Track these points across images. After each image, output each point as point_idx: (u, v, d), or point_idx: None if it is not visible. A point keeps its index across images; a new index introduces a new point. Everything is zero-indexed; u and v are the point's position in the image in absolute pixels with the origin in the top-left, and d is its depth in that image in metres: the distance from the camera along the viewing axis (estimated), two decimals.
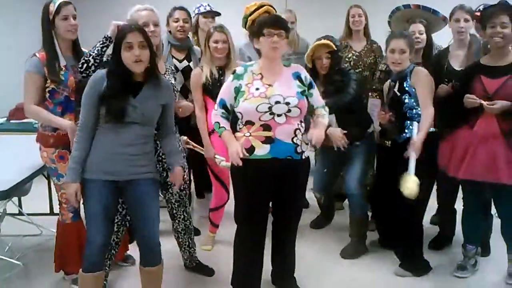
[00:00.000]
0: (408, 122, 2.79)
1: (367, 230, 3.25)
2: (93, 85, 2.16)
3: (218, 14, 3.74)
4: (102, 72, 2.19)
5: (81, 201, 2.24)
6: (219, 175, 3.12)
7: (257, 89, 2.34)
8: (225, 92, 2.43)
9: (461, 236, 2.96)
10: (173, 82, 2.68)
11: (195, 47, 3.50)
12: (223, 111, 2.43)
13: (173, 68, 2.90)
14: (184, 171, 2.68)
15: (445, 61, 3.06)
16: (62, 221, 2.65)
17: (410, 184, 2.57)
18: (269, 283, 2.72)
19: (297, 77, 2.42)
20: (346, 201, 3.39)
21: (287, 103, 2.30)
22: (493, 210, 2.94)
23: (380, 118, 2.98)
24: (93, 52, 2.46)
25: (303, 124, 2.41)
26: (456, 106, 2.70)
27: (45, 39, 2.50)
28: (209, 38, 3.01)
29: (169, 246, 2.93)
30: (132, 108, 2.13)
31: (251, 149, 2.32)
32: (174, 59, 3.35)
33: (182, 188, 2.70)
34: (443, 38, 3.41)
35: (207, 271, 2.93)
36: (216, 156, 2.94)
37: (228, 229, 3.03)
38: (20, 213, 3.53)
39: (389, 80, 3.01)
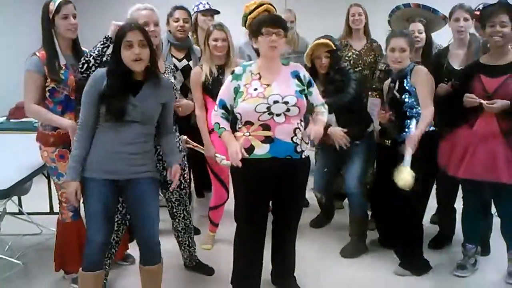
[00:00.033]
0: (408, 121, 2.79)
1: (367, 229, 3.25)
2: (93, 84, 2.15)
3: (217, 12, 3.74)
4: (102, 70, 2.19)
5: (81, 200, 2.24)
6: (219, 174, 3.13)
7: (255, 89, 2.34)
8: (225, 92, 2.43)
9: (461, 235, 2.96)
10: (172, 81, 2.68)
11: (195, 47, 3.50)
12: (223, 111, 2.43)
13: (172, 67, 2.90)
14: (184, 170, 2.69)
15: (444, 60, 3.06)
16: (62, 220, 2.65)
17: (404, 176, 2.57)
18: (269, 282, 2.72)
19: (296, 76, 2.42)
20: (346, 200, 3.39)
21: (286, 102, 2.30)
22: (493, 210, 2.94)
23: (380, 117, 2.98)
24: (94, 53, 2.47)
25: (302, 123, 2.41)
26: (456, 105, 2.70)
27: (45, 38, 2.50)
28: (209, 36, 3.01)
29: (169, 245, 2.93)
30: (132, 107, 2.13)
31: (250, 149, 2.33)
32: (173, 58, 3.35)
33: (182, 187, 2.70)
34: (443, 37, 3.41)
35: (207, 270, 2.93)
36: (217, 155, 2.94)
37: (228, 228, 3.03)
38: (20, 212, 3.53)
39: (389, 79, 3.01)
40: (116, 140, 2.15)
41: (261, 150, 2.32)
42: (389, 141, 2.99)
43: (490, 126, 2.59)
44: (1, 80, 4.89)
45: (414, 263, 2.90)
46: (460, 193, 3.02)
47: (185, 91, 3.28)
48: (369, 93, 3.51)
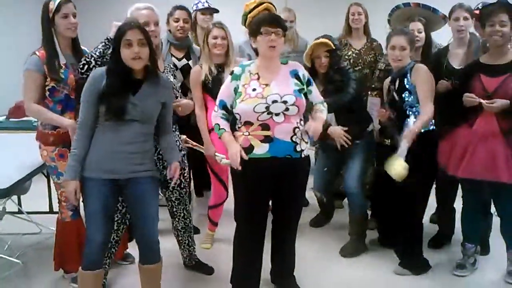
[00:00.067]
0: (408, 119, 2.79)
1: (367, 229, 3.25)
2: (92, 83, 2.15)
3: (217, 11, 3.74)
4: (101, 69, 2.19)
5: (81, 199, 2.24)
6: (219, 173, 3.12)
7: (254, 89, 2.34)
8: (225, 92, 2.43)
9: (461, 234, 2.96)
10: (172, 80, 2.68)
11: (195, 46, 3.50)
12: (224, 112, 2.42)
13: (172, 66, 2.90)
14: (184, 169, 2.69)
15: (444, 59, 3.06)
16: (62, 220, 2.65)
17: (397, 167, 2.57)
18: (269, 281, 2.72)
19: (295, 75, 2.42)
20: (346, 200, 3.39)
21: (285, 102, 2.30)
22: (493, 209, 2.94)
23: (379, 116, 2.98)
24: (95, 54, 2.46)
25: (302, 123, 2.40)
26: (456, 104, 2.70)
27: (45, 37, 2.50)
28: (208, 34, 3.01)
29: (168, 244, 2.93)
30: (131, 106, 2.13)
31: (249, 148, 2.32)
32: (173, 58, 3.35)
33: (182, 186, 2.71)
34: (443, 36, 3.41)
35: (207, 270, 2.92)
36: (216, 154, 2.94)
37: (227, 228, 3.03)
38: (20, 212, 3.53)
39: (388, 78, 3.00)
40: (115, 139, 2.15)
41: (261, 149, 2.32)
42: (389, 140, 2.99)
43: (490, 125, 2.59)
44: (1, 79, 4.89)
45: (413, 263, 2.90)
46: (459, 193, 3.02)
47: (185, 90, 3.28)
48: (369, 92, 3.52)
